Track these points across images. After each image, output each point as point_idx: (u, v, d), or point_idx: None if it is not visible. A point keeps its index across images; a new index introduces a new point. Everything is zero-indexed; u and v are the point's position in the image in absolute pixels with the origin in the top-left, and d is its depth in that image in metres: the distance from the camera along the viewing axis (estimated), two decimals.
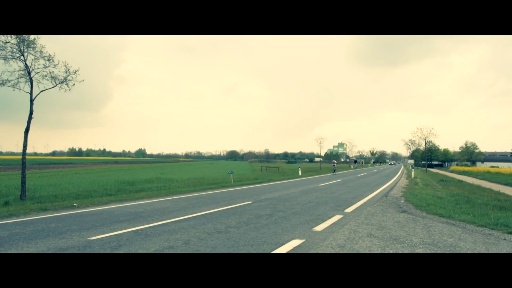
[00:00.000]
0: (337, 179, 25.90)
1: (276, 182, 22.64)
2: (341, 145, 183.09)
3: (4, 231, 6.92)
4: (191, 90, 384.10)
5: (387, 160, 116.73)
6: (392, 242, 6.06)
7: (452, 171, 61.41)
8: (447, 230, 7.20)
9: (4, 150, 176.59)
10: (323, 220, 8.13)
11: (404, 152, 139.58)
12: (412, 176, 32.55)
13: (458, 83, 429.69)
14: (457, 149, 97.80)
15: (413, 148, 75.36)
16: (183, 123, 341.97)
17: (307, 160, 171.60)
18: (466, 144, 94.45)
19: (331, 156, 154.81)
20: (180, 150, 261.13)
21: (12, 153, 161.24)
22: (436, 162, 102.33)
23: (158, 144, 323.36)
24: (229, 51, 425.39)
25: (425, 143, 53.76)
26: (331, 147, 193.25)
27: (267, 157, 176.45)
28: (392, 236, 6.53)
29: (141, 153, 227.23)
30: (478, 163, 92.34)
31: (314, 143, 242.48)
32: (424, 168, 59.88)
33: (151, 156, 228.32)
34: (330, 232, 6.85)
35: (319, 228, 7.25)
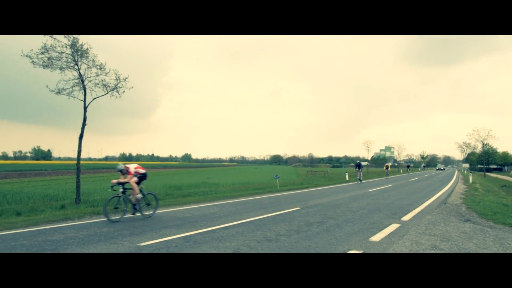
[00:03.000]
0: (387, 184, 24.75)
1: (323, 187, 22.02)
2: (388, 148, 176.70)
3: (60, 234, 7.09)
4: (236, 95, 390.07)
5: (438, 164, 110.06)
6: None
7: None
8: None
9: (62, 156, 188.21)
10: (379, 229, 7.59)
11: (458, 155, 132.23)
12: (470, 181, 30.46)
13: None
14: None
15: (468, 151, 71.06)
16: (228, 128, 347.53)
17: (352, 164, 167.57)
18: None
19: (378, 160, 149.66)
20: (224, 155, 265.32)
21: (69, 158, 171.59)
22: (494, 166, 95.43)
23: (203, 149, 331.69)
24: (273, 55, 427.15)
25: (482, 146, 50.34)
26: (378, 151, 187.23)
27: (311, 162, 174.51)
28: (461, 249, 5.90)
29: (187, 157, 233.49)
30: None
31: (359, 146, 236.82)
32: (481, 173, 56.18)
33: (197, 160, 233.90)
34: (389, 243, 6.33)
35: (376, 238, 6.74)
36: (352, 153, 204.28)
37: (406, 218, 9.28)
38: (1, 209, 10.83)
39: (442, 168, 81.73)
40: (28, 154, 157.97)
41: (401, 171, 61.10)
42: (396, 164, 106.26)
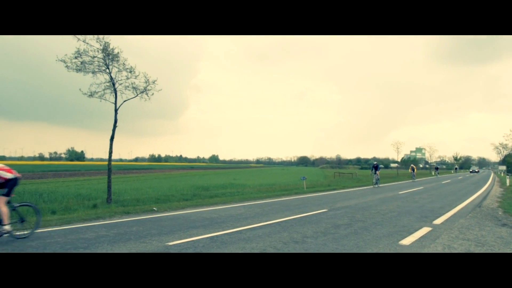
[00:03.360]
0: (418, 187, 24.06)
1: (351, 189, 21.67)
2: (419, 150, 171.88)
3: (92, 233, 7.31)
4: (263, 96, 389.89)
5: (472, 166, 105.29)
6: None
7: None
8: None
9: (94, 157, 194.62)
10: (410, 233, 7.38)
11: (494, 157, 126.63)
12: (507, 183, 29.12)
13: None
14: None
15: (505, 152, 68.05)
16: (255, 129, 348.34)
17: (382, 166, 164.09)
18: None
19: (408, 162, 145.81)
20: (251, 156, 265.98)
21: (101, 159, 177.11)
22: None
23: (230, 150, 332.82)
24: (300, 56, 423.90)
25: None
26: (408, 152, 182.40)
27: (339, 163, 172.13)
28: None
29: (214, 159, 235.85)
30: None
31: (389, 148, 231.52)
32: None
33: (224, 162, 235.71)
34: (420, 247, 6.14)
35: (406, 242, 6.55)
36: (381, 155, 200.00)
37: (438, 221, 8.98)
38: (38, 207, 11.27)
39: (476, 170, 77.90)
40: (63, 155, 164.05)
41: (433, 173, 58.89)
42: (427, 166, 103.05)
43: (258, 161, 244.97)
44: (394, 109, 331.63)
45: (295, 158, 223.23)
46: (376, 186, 24.45)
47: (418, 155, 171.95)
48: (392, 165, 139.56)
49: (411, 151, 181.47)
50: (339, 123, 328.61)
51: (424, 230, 7.68)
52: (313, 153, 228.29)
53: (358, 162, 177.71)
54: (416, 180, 35.38)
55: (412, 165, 38.57)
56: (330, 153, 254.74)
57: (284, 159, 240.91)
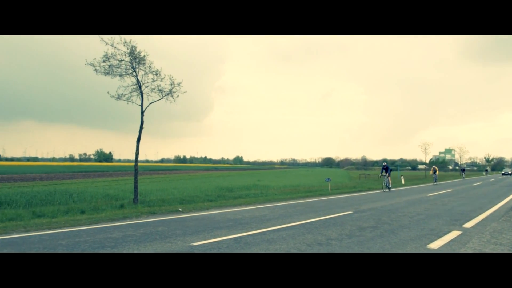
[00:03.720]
0: (447, 189, 23.36)
1: (377, 191, 21.26)
2: (448, 151, 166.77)
3: (119, 232, 7.48)
4: (287, 97, 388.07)
5: (504, 168, 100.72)
6: None
7: None
8: None
9: (122, 158, 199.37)
10: (438, 236, 7.16)
11: None
12: None
13: None
14: None
15: None
16: (279, 131, 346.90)
17: (409, 167, 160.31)
18: None
19: (437, 163, 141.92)
20: (275, 157, 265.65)
21: (128, 160, 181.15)
22: None
23: (254, 151, 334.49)
24: (325, 56, 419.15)
25: None
26: (437, 154, 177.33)
27: (365, 164, 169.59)
28: None
29: (238, 160, 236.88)
30: None
31: (416, 149, 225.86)
32: None
33: (248, 163, 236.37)
34: (449, 251, 5.94)
35: (434, 245, 6.36)
36: (408, 156, 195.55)
37: (468, 225, 8.67)
38: (68, 207, 11.67)
39: (509, 172, 74.55)
40: (92, 156, 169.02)
41: (464, 176, 56.89)
42: (457, 167, 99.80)
43: (282, 162, 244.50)
44: (422, 109, 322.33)
45: (320, 159, 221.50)
46: (388, 190, 21.60)
47: (448, 156, 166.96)
48: (420, 166, 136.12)
49: (440, 152, 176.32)
50: (365, 124, 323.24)
51: (454, 234, 7.44)
52: (338, 154, 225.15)
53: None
54: (439, 183, 32.65)
55: (434, 166, 34.15)
56: (355, 154, 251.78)
57: (309, 160, 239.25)
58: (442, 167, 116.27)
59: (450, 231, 7.80)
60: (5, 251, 5.82)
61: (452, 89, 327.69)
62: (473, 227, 8.42)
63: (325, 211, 11.21)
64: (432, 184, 29.97)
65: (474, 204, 13.76)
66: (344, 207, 12.35)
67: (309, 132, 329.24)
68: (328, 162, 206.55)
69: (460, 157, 75.58)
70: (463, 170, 51.77)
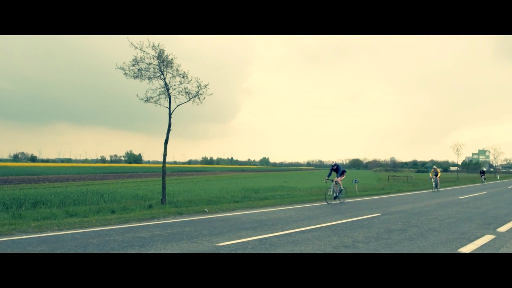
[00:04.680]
0: (481, 192, 22.49)
1: (406, 193, 20.76)
2: (482, 152, 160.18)
3: (147, 232, 7.65)
4: (314, 98, 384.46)
5: None
6: None
7: None
8: None
9: (151, 159, 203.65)
10: (470, 240, 6.91)
11: None
12: None
13: None
14: None
15: None
16: (305, 132, 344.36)
17: (440, 169, 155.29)
18: None
19: (469, 165, 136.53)
20: (302, 159, 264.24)
21: (157, 162, 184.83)
22: None
23: (280, 153, 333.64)
24: (353, 57, 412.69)
25: None
26: (470, 155, 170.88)
27: (394, 166, 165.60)
28: None
29: (264, 161, 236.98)
30: None
31: (448, 150, 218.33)
32: None
33: (274, 164, 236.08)
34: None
35: (466, 250, 6.15)
36: (439, 157, 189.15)
37: (502, 229, 8.32)
38: (99, 207, 12.04)
39: None
40: (122, 158, 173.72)
41: (498, 177, 54.49)
42: (491, 169, 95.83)
43: (308, 164, 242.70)
44: (454, 109, 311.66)
45: (347, 161, 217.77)
46: (436, 190, 23.40)
47: (482, 158, 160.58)
48: (452, 168, 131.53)
49: (473, 154, 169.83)
50: (394, 125, 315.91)
51: (487, 238, 7.16)
52: (366, 156, 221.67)
53: (415, 165, 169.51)
54: (442, 189, 25.67)
55: (434, 167, 26.41)
56: (383, 156, 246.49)
57: (336, 161, 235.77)
58: (475, 169, 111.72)
59: (483, 235, 7.52)
60: (40, 248, 6.09)
61: (487, 88, 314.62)
62: (507, 231, 8.08)
63: (352, 213, 11.05)
64: (430, 191, 23.52)
65: (509, 207, 13.19)
66: (372, 209, 12.13)
67: (336, 133, 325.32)
68: (355, 164, 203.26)
69: (495, 159, 72.47)
70: (482, 172, 41.44)
